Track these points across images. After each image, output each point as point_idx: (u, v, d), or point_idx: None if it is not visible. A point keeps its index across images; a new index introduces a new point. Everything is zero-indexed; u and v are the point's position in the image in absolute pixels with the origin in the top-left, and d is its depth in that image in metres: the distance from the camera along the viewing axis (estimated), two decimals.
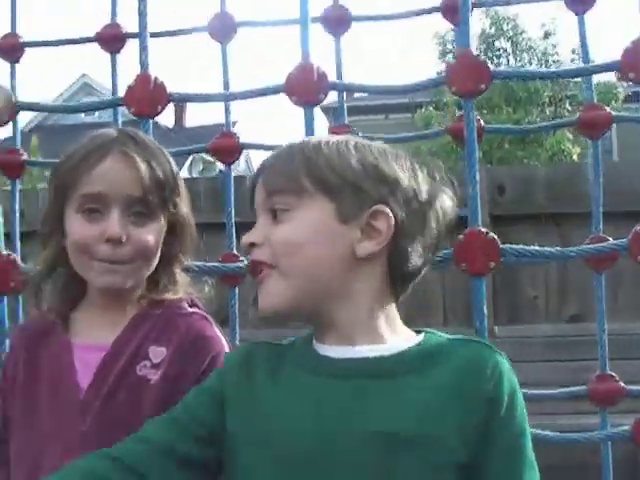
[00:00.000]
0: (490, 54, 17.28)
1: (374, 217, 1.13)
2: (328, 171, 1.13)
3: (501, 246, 1.77)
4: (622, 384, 2.17)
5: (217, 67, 2.32)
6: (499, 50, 17.47)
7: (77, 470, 1.15)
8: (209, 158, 17.79)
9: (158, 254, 1.45)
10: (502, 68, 2.23)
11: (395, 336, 1.16)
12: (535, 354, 5.42)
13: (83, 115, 18.95)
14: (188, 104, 17.72)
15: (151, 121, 1.89)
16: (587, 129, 2.22)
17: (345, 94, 2.46)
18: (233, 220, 2.34)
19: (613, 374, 2.19)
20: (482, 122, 2.34)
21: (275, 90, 1.87)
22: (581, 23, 2.28)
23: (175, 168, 1.49)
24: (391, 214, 1.13)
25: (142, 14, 1.92)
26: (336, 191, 1.13)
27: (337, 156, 1.15)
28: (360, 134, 2.32)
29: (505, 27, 17.24)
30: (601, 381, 2.17)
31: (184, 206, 1.49)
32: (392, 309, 1.19)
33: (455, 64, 1.79)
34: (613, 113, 2.23)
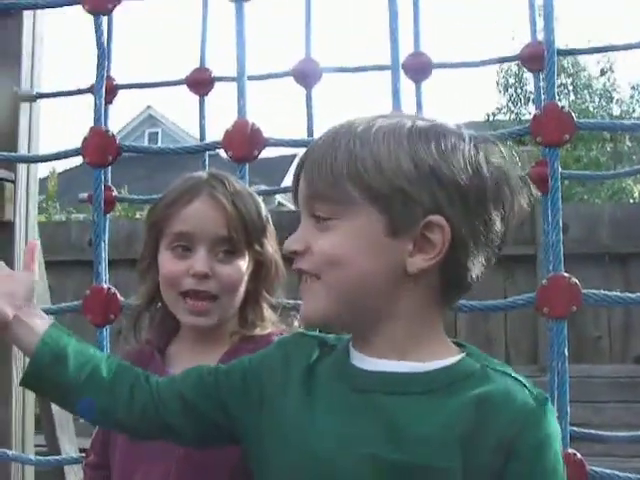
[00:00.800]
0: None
1: (428, 229, 1.01)
2: (376, 176, 1.01)
3: (583, 291, 1.81)
4: None
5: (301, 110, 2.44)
6: (559, 87, 17.39)
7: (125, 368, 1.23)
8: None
9: (242, 290, 1.52)
10: (585, 120, 2.25)
11: (431, 353, 1.05)
12: (599, 394, 5.37)
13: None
14: None
15: (247, 165, 1.97)
16: None
17: None
18: None
19: None
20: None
21: None
22: None
23: (263, 210, 1.56)
24: (447, 225, 1.00)
25: (240, 60, 2.01)
26: (385, 200, 1.01)
27: (387, 155, 1.01)
28: None
29: (565, 64, 17.15)
30: None
31: (270, 246, 1.56)
32: (438, 323, 1.09)
33: (541, 115, 1.85)
34: None
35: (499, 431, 0.97)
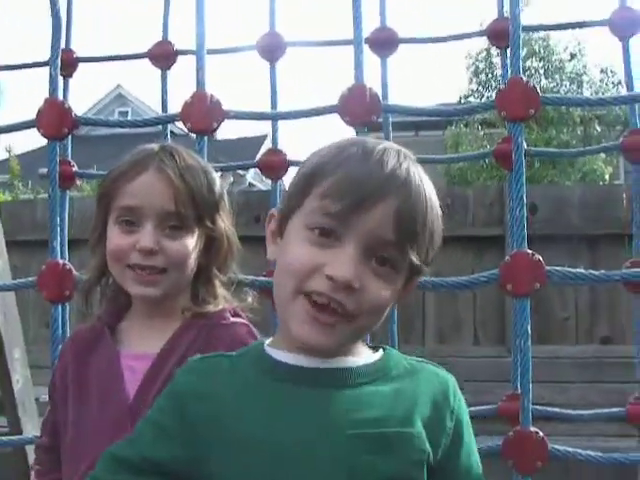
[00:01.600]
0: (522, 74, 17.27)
1: (417, 280, 1.19)
2: (429, 250, 1.13)
3: (547, 268, 1.79)
4: None
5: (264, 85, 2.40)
6: (530, 70, 17.44)
7: None
8: (239, 172, 17.87)
9: (193, 266, 1.51)
10: (551, 94, 2.25)
11: (359, 352, 1.17)
12: (565, 375, 5.41)
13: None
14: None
15: (206, 137, 1.93)
16: (631, 153, 2.23)
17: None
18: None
19: None
20: (526, 145, 2.36)
21: (328, 110, 1.91)
22: (625, 48, 2.31)
23: (217, 185, 1.54)
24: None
25: (199, 33, 1.97)
26: (420, 264, 1.12)
27: (438, 231, 1.14)
28: None
29: (536, 48, 17.21)
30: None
31: (223, 221, 1.54)
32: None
33: (506, 90, 1.82)
34: None
35: (448, 400, 1.15)
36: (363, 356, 1.16)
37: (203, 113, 1.92)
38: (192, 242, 1.49)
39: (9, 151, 13.36)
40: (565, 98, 1.89)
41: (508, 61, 1.86)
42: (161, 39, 2.51)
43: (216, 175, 1.57)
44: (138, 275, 1.46)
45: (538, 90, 1.81)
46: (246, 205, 5.96)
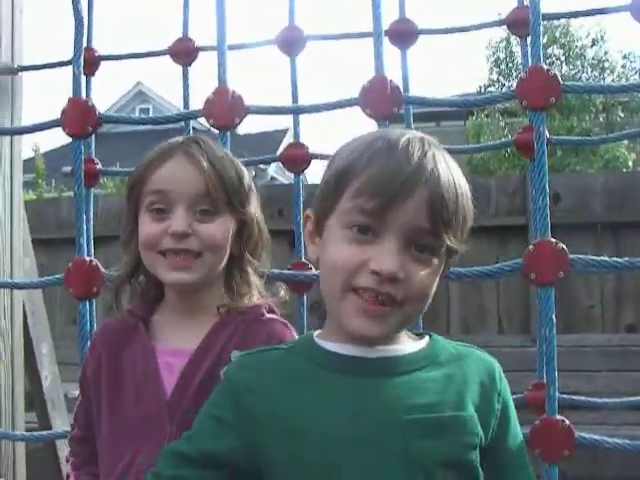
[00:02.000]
0: (544, 62, 17.16)
1: (450, 265, 1.21)
2: (463, 231, 1.17)
3: (570, 256, 1.79)
4: None
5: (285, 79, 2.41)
6: (551, 57, 17.30)
7: None
8: (261, 165, 17.89)
9: (227, 251, 1.49)
10: (572, 82, 2.23)
11: (404, 340, 1.21)
12: (591, 363, 5.39)
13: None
14: None
15: (229, 132, 1.94)
16: None
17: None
18: (302, 229, 2.40)
19: None
20: (548, 134, 2.36)
21: (349, 103, 1.92)
22: None
23: (244, 173, 1.53)
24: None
25: (220, 29, 1.98)
26: (457, 249, 1.17)
27: (470, 213, 1.18)
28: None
29: (557, 34, 17.08)
30: None
31: (253, 208, 1.53)
32: None
33: (526, 78, 1.82)
34: None
35: (495, 384, 1.20)
36: (409, 344, 1.20)
37: (225, 109, 1.93)
38: (225, 225, 1.48)
39: (36, 150, 13.40)
40: (586, 86, 1.89)
41: (529, 50, 1.85)
42: (181, 36, 2.53)
43: (243, 167, 1.57)
44: (171, 260, 1.44)
45: (559, 78, 1.80)
46: (269, 199, 5.98)
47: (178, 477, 1.18)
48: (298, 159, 2.38)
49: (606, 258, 1.83)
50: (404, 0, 2.40)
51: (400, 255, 1.10)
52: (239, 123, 1.94)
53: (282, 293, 1.61)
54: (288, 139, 25.26)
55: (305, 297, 2.28)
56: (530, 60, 1.85)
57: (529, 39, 1.93)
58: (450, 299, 5.73)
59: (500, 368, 1.25)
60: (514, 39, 17.62)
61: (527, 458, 1.25)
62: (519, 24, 2.25)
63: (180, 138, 1.54)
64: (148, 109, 21.96)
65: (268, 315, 1.51)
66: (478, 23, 2.46)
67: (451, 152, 2.64)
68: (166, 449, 1.24)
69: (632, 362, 5.41)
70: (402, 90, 2.34)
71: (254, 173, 19.96)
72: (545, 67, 1.80)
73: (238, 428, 1.17)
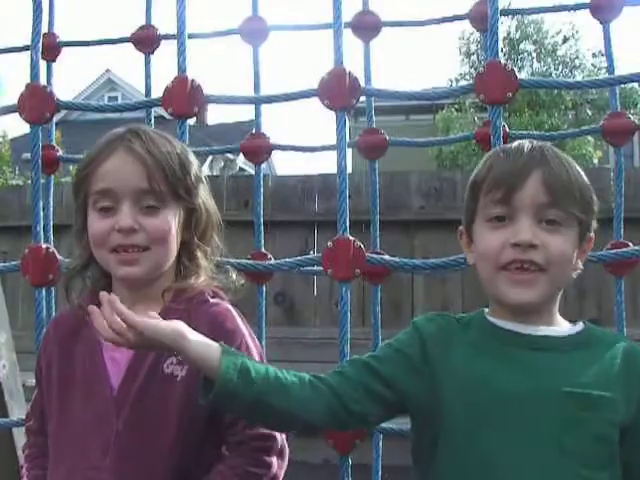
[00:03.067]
0: (514, 57, 17.26)
1: (588, 241, 1.39)
2: (586, 205, 1.35)
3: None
4: None
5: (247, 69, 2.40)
6: (523, 53, 17.43)
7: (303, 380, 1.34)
8: (230, 156, 17.85)
9: (176, 242, 1.50)
10: (528, 77, 2.27)
11: (561, 323, 1.38)
12: None
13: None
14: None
15: (187, 121, 1.94)
16: (610, 136, 2.26)
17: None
18: (262, 219, 2.40)
19: None
20: (507, 128, 2.38)
21: (307, 94, 1.92)
22: (606, 32, 2.32)
23: (190, 163, 1.53)
24: (593, 235, 1.41)
25: (180, 17, 1.97)
26: (584, 218, 1.35)
27: (586, 188, 1.36)
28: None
29: (530, 31, 17.19)
30: None
31: (200, 195, 1.54)
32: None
33: (484, 73, 1.83)
34: (637, 121, 2.27)
35: (637, 371, 1.33)
36: (566, 327, 1.37)
37: (184, 98, 1.91)
38: (171, 217, 1.48)
39: (3, 137, 13.21)
40: (543, 81, 1.90)
41: (487, 44, 1.86)
42: (144, 23, 2.52)
43: (192, 155, 1.57)
44: (120, 256, 1.45)
45: (516, 73, 1.82)
46: (235, 190, 5.98)
47: (363, 385, 1.35)
48: (258, 150, 2.38)
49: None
50: None
51: (533, 228, 1.30)
52: (198, 112, 1.93)
53: (234, 276, 1.61)
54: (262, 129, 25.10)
55: (264, 287, 2.29)
56: (488, 54, 1.85)
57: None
58: (414, 291, 5.75)
59: None
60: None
61: None
62: (480, 19, 2.27)
63: (121, 130, 1.52)
64: (117, 97, 21.75)
65: (212, 300, 1.51)
66: (441, 17, 2.48)
67: (412, 145, 2.67)
68: (357, 359, 1.41)
69: None
70: (364, 81, 2.37)
71: (222, 164, 19.95)
72: (502, 62, 1.82)
73: (423, 370, 1.36)
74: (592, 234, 1.41)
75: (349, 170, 1.94)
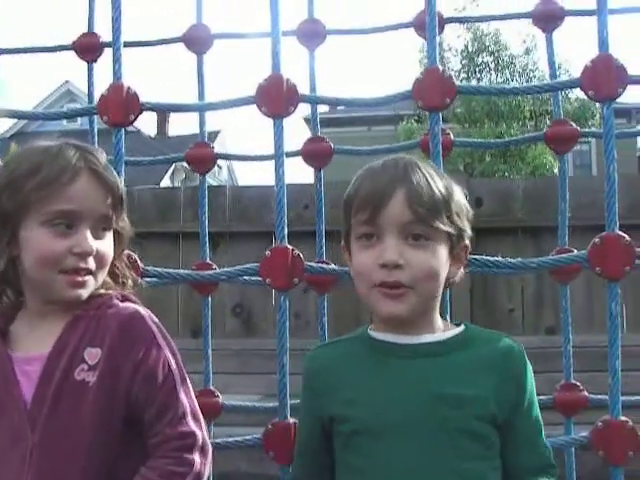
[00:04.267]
0: (472, 69, 17.46)
1: (463, 249, 1.47)
2: (460, 218, 1.43)
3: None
4: (586, 394, 2.21)
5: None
6: (481, 65, 17.62)
7: None
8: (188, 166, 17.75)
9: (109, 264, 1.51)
10: (466, 84, 2.28)
11: (439, 328, 1.48)
12: None
13: (65, 122, 18.90)
14: (172, 113, 17.62)
15: (123, 130, 1.91)
16: (554, 144, 2.27)
17: (328, 106, 2.50)
18: (207, 230, 2.38)
19: (577, 383, 2.23)
20: (452, 136, 2.38)
21: (246, 101, 1.90)
22: (548, 41, 2.34)
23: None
24: (469, 243, 1.48)
25: (116, 24, 1.94)
26: (453, 231, 1.42)
27: (456, 201, 1.44)
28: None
29: (487, 43, 17.38)
30: (565, 390, 2.22)
31: (125, 217, 1.56)
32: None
33: (422, 79, 1.82)
34: (579, 129, 2.29)
35: (512, 369, 1.42)
36: (443, 332, 1.46)
37: (119, 106, 1.88)
38: (111, 240, 1.50)
39: None
40: (481, 87, 1.92)
41: (426, 51, 1.86)
42: (87, 30, 2.48)
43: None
44: (73, 278, 1.43)
45: (454, 79, 1.82)
46: (192, 201, 5.92)
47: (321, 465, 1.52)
48: (203, 158, 2.36)
49: (499, 258, 1.85)
50: (312, 0, 2.41)
51: (398, 247, 1.37)
52: (134, 120, 1.90)
53: (130, 283, 1.59)
54: (221, 140, 25.23)
55: (210, 298, 2.26)
56: (428, 61, 1.85)
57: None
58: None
59: (520, 352, 1.46)
60: (446, 44, 17.94)
61: (540, 439, 1.47)
62: (424, 27, 2.26)
63: (71, 149, 1.48)
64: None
65: (122, 305, 1.49)
66: (385, 25, 2.48)
67: (359, 153, 2.66)
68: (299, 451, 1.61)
69: (551, 364, 5.49)
70: (310, 89, 2.35)
71: (184, 175, 19.87)
72: (440, 68, 1.81)
73: (315, 408, 1.50)
74: (467, 242, 1.47)
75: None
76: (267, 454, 1.88)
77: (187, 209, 5.85)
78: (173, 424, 1.40)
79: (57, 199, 1.43)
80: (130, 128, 1.92)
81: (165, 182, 18.75)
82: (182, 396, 1.43)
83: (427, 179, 1.40)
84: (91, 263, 1.44)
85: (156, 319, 1.49)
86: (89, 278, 1.45)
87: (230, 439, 2.05)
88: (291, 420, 1.88)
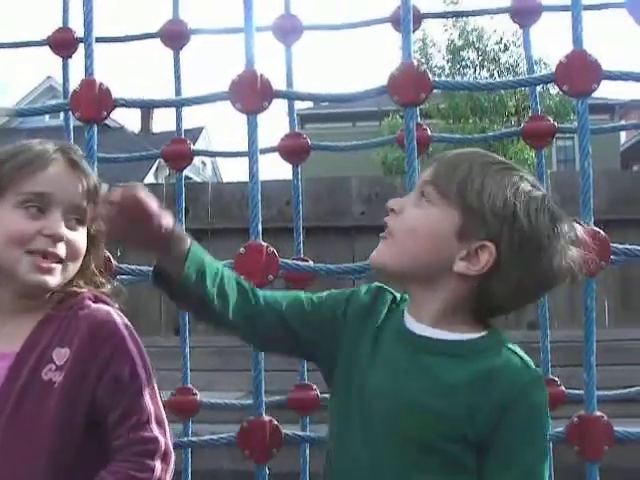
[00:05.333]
0: (457, 65, 17.49)
1: (481, 248, 1.29)
2: (473, 195, 1.29)
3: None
4: (563, 389, 2.21)
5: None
6: (466, 60, 17.64)
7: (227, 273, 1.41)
8: None
9: (81, 260, 1.49)
10: (442, 79, 2.29)
11: (461, 329, 1.33)
12: None
13: (47, 118, 18.75)
14: (156, 109, 17.54)
15: (95, 126, 1.89)
16: (531, 139, 2.27)
17: (312, 102, 2.48)
18: (185, 226, 2.36)
19: (555, 378, 2.23)
20: (429, 132, 2.37)
21: (220, 97, 1.88)
22: (526, 36, 2.34)
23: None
24: (495, 252, 1.28)
25: (87, 19, 1.92)
26: (469, 213, 1.29)
27: (490, 185, 1.29)
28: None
29: (472, 38, 17.40)
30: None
31: (102, 222, 1.50)
32: (468, 315, 1.34)
33: (397, 74, 1.81)
34: (556, 124, 2.29)
35: (494, 395, 1.26)
36: (462, 333, 1.32)
37: (91, 102, 1.86)
38: (84, 235, 1.48)
39: None
40: (456, 82, 1.91)
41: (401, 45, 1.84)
42: (62, 26, 2.46)
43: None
44: (38, 262, 1.41)
45: (429, 74, 1.81)
46: (174, 198, 5.90)
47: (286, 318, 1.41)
48: (179, 155, 2.34)
49: None
50: None
51: (406, 196, 1.39)
52: (107, 116, 1.88)
53: (108, 286, 1.56)
54: (204, 137, 25.15)
55: None
56: (403, 56, 1.84)
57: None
58: None
59: (528, 381, 1.29)
60: (429, 40, 17.95)
61: (519, 470, 1.28)
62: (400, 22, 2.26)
63: (52, 143, 1.50)
64: None
65: (93, 305, 1.47)
66: (362, 21, 2.47)
67: (336, 149, 2.65)
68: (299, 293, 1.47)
69: (532, 357, 5.51)
70: (286, 85, 2.34)
71: (167, 172, 19.75)
72: (415, 63, 1.80)
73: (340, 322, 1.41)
74: (488, 244, 1.28)
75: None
76: (243, 452, 1.87)
77: (170, 206, 5.78)
78: (136, 429, 1.39)
79: (30, 181, 1.42)
80: (114, 124, 1.91)
81: (149, 179, 18.67)
82: (147, 401, 1.41)
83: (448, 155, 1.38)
84: (61, 249, 1.42)
85: (127, 322, 1.48)
86: (57, 266, 1.43)
87: (205, 437, 2.04)
88: (266, 418, 1.87)
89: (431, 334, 1.33)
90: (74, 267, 1.47)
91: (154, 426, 1.40)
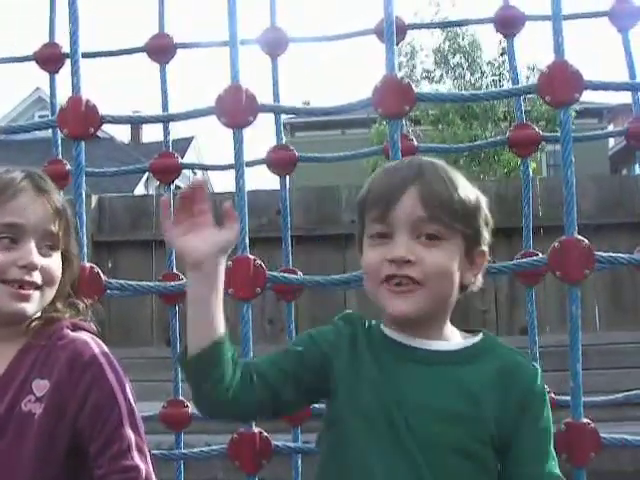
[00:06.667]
0: (446, 69, 17.52)
1: (480, 255, 1.41)
2: (477, 221, 1.38)
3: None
4: (553, 395, 2.22)
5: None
6: (454, 65, 17.68)
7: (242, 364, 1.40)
8: None
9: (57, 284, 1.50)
10: (426, 92, 2.31)
11: (453, 337, 1.41)
12: None
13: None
14: None
15: (83, 143, 1.90)
16: (516, 147, 2.28)
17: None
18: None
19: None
20: (415, 142, 2.39)
21: (207, 112, 1.90)
22: (510, 46, 2.36)
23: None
24: (487, 250, 1.42)
25: (74, 36, 1.93)
26: (469, 232, 1.37)
27: (473, 202, 1.37)
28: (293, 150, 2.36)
29: (462, 43, 17.43)
30: None
31: (73, 240, 1.56)
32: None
33: (380, 87, 1.83)
34: (540, 133, 2.30)
35: (516, 391, 1.34)
36: (459, 341, 1.40)
37: (78, 118, 1.88)
38: (59, 260, 1.50)
39: None
40: (441, 94, 1.94)
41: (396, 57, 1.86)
42: (48, 41, 2.47)
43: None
44: (16, 291, 1.43)
45: (412, 87, 1.82)
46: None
47: (295, 376, 1.41)
48: (167, 169, 2.35)
49: None
50: (275, 8, 2.41)
51: (409, 243, 1.33)
52: (94, 133, 1.89)
53: (82, 306, 1.58)
54: (194, 147, 25.12)
55: (177, 307, 2.26)
56: (387, 68, 1.85)
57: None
58: (347, 304, 5.76)
59: (536, 376, 1.39)
60: (419, 47, 17.98)
61: (545, 466, 1.35)
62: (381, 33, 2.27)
63: (19, 171, 1.50)
64: (47, 115, 21.31)
65: (72, 334, 1.48)
66: (349, 32, 2.49)
67: (323, 160, 2.66)
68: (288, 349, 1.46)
69: None
70: (273, 98, 2.36)
71: (157, 183, 19.73)
72: (399, 75, 1.82)
73: (328, 355, 1.41)
74: (484, 248, 1.41)
75: None
76: (233, 463, 1.88)
77: (159, 217, 5.84)
78: (117, 458, 1.40)
79: (1, 213, 1.43)
80: (103, 135, 1.92)
81: (140, 189, 18.66)
82: (128, 430, 1.42)
83: (442, 178, 1.37)
84: (37, 277, 1.44)
85: (106, 349, 1.48)
86: (35, 292, 1.44)
87: (196, 449, 2.04)
88: (256, 430, 1.88)
89: (446, 347, 1.39)
90: (51, 292, 1.49)
91: (135, 454, 1.41)
